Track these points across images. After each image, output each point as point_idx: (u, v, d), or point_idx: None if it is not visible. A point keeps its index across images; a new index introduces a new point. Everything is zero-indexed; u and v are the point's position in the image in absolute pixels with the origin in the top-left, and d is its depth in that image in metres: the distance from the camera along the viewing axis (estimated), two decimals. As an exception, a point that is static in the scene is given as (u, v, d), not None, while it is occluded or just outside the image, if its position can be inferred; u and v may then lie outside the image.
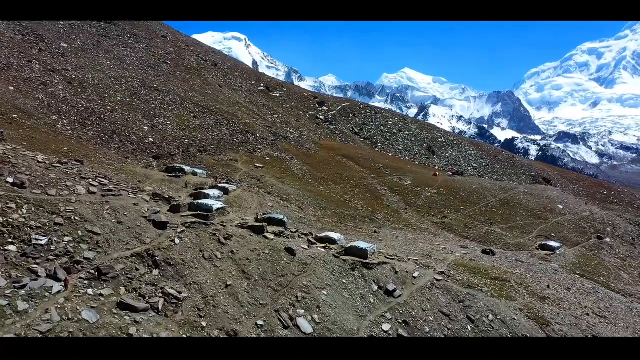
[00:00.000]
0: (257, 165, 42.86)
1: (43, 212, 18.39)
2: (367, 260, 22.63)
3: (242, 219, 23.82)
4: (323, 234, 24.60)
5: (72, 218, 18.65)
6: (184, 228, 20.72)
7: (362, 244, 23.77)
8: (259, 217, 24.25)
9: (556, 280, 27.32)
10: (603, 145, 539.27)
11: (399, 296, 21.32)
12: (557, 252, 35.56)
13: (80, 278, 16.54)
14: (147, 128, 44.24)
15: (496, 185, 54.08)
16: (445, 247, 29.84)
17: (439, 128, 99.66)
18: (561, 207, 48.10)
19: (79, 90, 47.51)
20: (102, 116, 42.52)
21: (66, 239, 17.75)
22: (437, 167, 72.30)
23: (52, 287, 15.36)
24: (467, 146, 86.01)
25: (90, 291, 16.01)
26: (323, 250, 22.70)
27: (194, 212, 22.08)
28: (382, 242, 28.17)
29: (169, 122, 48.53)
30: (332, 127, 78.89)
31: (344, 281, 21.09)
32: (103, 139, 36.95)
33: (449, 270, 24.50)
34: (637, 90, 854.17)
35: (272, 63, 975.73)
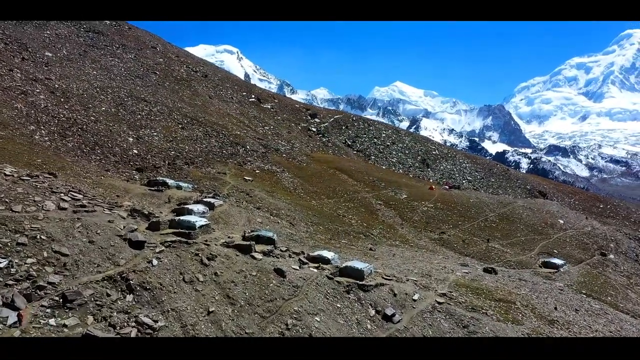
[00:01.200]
0: (247, 178, 41.08)
1: (5, 230, 16.55)
2: (364, 282, 20.91)
3: (228, 237, 22.04)
4: (315, 253, 22.86)
5: (38, 237, 16.81)
6: (163, 248, 18.91)
7: (357, 264, 22.07)
8: (246, 235, 22.48)
9: (563, 300, 25.72)
10: (593, 159, 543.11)
11: (399, 321, 19.58)
12: (561, 269, 34.04)
13: (42, 306, 14.69)
14: (131, 139, 42.42)
15: (494, 199, 52.63)
16: (445, 265, 28.18)
17: (433, 140, 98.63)
18: (562, 222, 46.74)
19: (62, 100, 45.69)
20: (85, 127, 40.69)
21: (29, 260, 15.91)
22: (431, 180, 70.95)
23: (7, 317, 13.54)
24: (461, 159, 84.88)
25: (52, 321, 14.16)
26: (316, 270, 20.96)
27: (175, 230, 20.29)
28: (378, 261, 26.45)
29: (155, 134, 46.74)
30: (324, 139, 77.46)
31: (339, 305, 19.32)
32: (84, 151, 35.08)
33: (451, 292, 22.82)
34: (625, 105, 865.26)
35: (264, 76, 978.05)
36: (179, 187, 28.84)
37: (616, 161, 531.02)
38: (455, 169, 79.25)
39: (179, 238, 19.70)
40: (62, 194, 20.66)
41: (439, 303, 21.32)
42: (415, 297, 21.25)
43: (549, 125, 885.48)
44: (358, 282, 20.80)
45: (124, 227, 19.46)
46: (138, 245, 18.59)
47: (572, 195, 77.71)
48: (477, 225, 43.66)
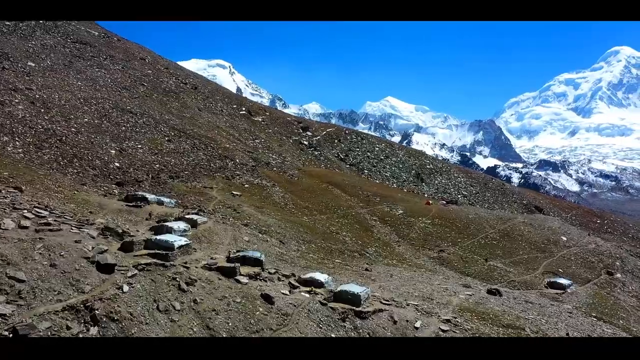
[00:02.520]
0: (235, 193, 38.98)
1: (-51, 254, 14.49)
2: (361, 308, 18.88)
3: (211, 258, 19.97)
4: (307, 275, 20.83)
5: (-10, 261, 14.73)
6: (136, 271, 16.81)
7: (353, 287, 20.05)
8: (231, 256, 20.42)
9: (574, 325, 23.85)
10: (583, 173, 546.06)
11: (400, 353, 17.58)
12: (568, 290, 32.22)
13: (-12, 343, 12.54)
14: (114, 152, 40.30)
15: (493, 215, 50.85)
16: (447, 287, 26.23)
17: (427, 155, 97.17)
18: (564, 238, 45.05)
19: (42, 110, 43.58)
20: (64, 138, 38.56)
21: (-24, 288, 13.84)
22: (426, 195, 69.25)
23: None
24: (456, 173, 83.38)
25: (-2, 362, 12.01)
26: (307, 295, 18.92)
27: (151, 251, 18.19)
28: (375, 283, 24.44)
29: (139, 146, 44.65)
30: (316, 153, 75.71)
31: (333, 335, 17.25)
32: (60, 163, 32.91)
33: (455, 317, 20.85)
34: (613, 120, 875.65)
35: (256, 90, 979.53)
36: (160, 203, 26.74)
37: (606, 176, 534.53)
38: (450, 184, 77.69)
39: (154, 260, 17.62)
40: (26, 211, 18.55)
41: (443, 331, 19.34)
42: (417, 324, 19.26)
43: (539, 140, 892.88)
44: (354, 308, 18.79)
45: (93, 248, 17.37)
46: (107, 268, 16.49)
47: (568, 211, 76.34)
48: (478, 242, 41.80)
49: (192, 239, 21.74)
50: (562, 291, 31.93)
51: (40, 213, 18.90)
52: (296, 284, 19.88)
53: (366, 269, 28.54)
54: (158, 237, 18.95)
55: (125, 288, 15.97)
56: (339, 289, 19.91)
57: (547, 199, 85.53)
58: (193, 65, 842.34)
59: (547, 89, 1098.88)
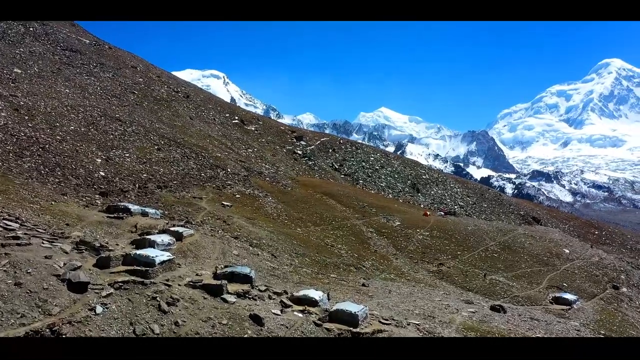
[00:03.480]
0: (225, 203, 37.43)
1: None
2: (358, 329, 17.36)
3: (196, 274, 18.44)
4: (300, 293, 19.29)
5: (-56, 280, 13.20)
6: (111, 290, 15.27)
7: (350, 306, 18.52)
8: (218, 272, 18.89)
9: (583, 344, 22.35)
10: (576, 184, 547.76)
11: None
12: (575, 306, 30.82)
13: None
14: (100, 160, 38.74)
15: (493, 227, 49.50)
16: (448, 303, 24.77)
17: (423, 165, 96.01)
18: (567, 251, 43.72)
19: (26, 117, 42.02)
20: (48, 146, 36.99)
21: None
22: (422, 206, 67.90)
23: None
24: (452, 183, 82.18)
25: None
26: (301, 315, 17.40)
27: (129, 267, 16.64)
28: (372, 300, 22.92)
29: (127, 155, 43.09)
30: (310, 163, 74.34)
31: (329, 361, 15.71)
32: (42, 172, 31.29)
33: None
34: (605, 131, 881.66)
35: (250, 101, 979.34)
36: (144, 214, 25.17)
37: (598, 186, 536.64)
38: (446, 194, 76.44)
39: (133, 277, 16.08)
40: (-7, 223, 17.03)
41: (448, 353, 17.85)
42: (420, 346, 17.76)
43: (531, 151, 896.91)
44: (351, 329, 17.26)
45: (65, 264, 15.80)
46: (79, 287, 14.93)
47: (566, 222, 75.24)
48: (478, 255, 40.36)
49: (177, 253, 20.21)
50: (568, 307, 30.53)
51: (9, 225, 17.34)
52: (288, 302, 18.36)
53: (363, 284, 27.02)
54: (138, 251, 17.40)
55: (99, 309, 14.43)
56: (334, 307, 18.40)
57: (544, 210, 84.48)
58: (187, 75, 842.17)
59: (539, 100, 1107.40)
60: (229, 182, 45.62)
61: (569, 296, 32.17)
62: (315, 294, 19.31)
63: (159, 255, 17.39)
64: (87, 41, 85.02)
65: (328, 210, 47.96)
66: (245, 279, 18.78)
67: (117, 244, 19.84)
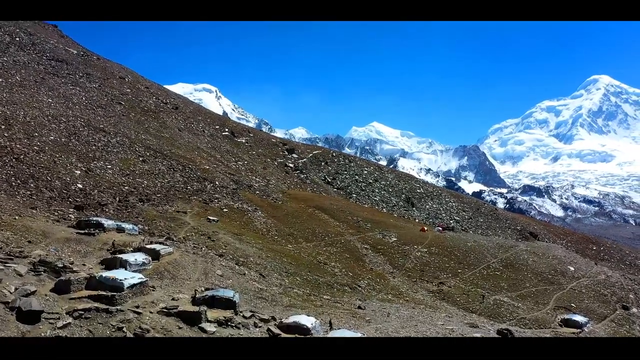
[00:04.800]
0: (211, 218, 35.21)
1: None
2: (356, 362, 15.23)
3: (173, 299, 16.27)
4: (291, 319, 17.14)
5: None
6: (69, 320, 13.04)
7: (346, 335, 16.45)
8: (197, 296, 16.72)
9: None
10: (567, 199, 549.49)
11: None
12: (585, 329, 28.91)
13: None
14: (79, 172, 36.49)
15: (493, 243, 47.59)
16: (452, 328, 22.71)
17: (417, 178, 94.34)
18: (572, 269, 41.92)
19: (2, 127, 39.80)
20: (23, 157, 34.75)
21: None
22: (418, 220, 65.99)
23: None
24: (447, 198, 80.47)
25: None
26: (291, 347, 15.26)
27: (93, 292, 14.47)
28: (370, 325, 20.79)
29: (109, 166, 40.88)
30: (302, 176, 72.36)
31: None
32: (12, 184, 29.01)
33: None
34: (594, 146, 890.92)
35: (242, 114, 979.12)
36: (120, 229, 22.99)
37: (589, 201, 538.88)
38: (441, 208, 74.65)
39: (96, 304, 13.89)
40: (-64, 241, 14.81)
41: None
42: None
43: (522, 166, 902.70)
44: (349, 362, 15.14)
45: (16, 289, 13.62)
46: (31, 317, 12.70)
47: (563, 237, 73.67)
48: (480, 273, 38.37)
49: (152, 275, 18.03)
50: (578, 330, 28.59)
51: (-44, 244, 15.15)
52: (277, 331, 16.21)
53: (359, 307, 24.87)
54: (104, 274, 15.22)
55: (52, 344, 12.27)
56: (329, 336, 16.29)
57: (540, 225, 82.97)
58: (180, 89, 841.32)
59: (529, 115, 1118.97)
60: (216, 195, 43.46)
61: (579, 318, 30.23)
62: (307, 321, 17.18)
63: (128, 277, 15.22)
64: (75, 52, 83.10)
65: (320, 225, 45.86)
66: (228, 303, 16.63)
67: (85, 264, 17.62)
